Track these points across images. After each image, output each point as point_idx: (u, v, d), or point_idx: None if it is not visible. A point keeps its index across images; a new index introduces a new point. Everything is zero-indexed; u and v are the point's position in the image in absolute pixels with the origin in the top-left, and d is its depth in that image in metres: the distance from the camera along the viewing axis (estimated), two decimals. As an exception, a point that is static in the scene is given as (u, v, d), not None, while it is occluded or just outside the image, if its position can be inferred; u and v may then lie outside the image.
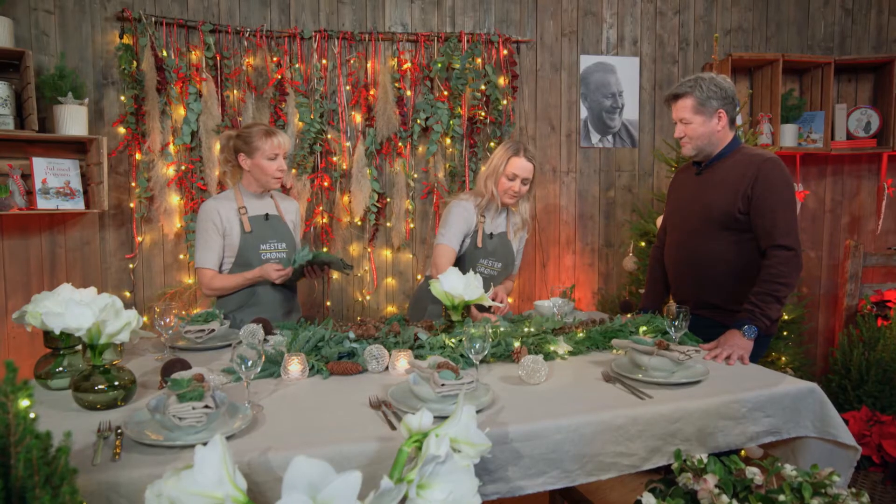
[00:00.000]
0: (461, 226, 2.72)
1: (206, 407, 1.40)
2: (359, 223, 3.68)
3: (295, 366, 1.90)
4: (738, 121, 3.50)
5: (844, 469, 1.84)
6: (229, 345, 2.24)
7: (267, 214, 2.65)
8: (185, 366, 1.80)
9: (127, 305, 3.35)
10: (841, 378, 3.27)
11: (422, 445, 1.27)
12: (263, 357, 1.88)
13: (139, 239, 3.42)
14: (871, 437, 2.77)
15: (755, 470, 1.55)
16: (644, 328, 2.29)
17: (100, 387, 1.62)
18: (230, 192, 2.66)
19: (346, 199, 3.65)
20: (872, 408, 3.02)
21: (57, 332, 1.57)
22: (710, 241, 2.39)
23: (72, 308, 1.60)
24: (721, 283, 2.38)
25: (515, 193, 2.73)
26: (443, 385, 1.57)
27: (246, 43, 3.45)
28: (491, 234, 2.79)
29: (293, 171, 3.52)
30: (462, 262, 2.77)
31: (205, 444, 1.12)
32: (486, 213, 2.80)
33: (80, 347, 1.85)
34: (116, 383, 1.65)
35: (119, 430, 1.45)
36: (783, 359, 3.46)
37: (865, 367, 3.16)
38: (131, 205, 3.38)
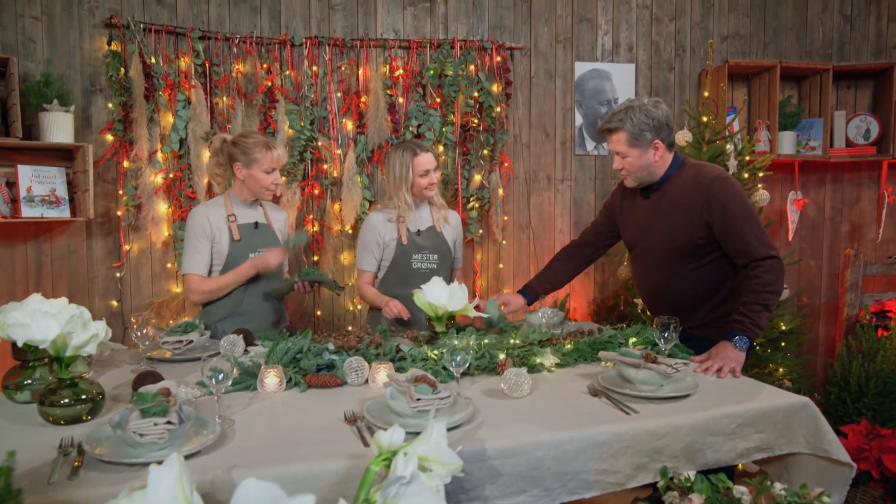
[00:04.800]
0: (371, 244, 2.77)
1: (169, 423, 1.35)
2: (350, 231, 3.63)
3: (271, 379, 1.84)
4: (686, 138, 3.44)
5: (839, 487, 1.77)
6: (212, 355, 2.19)
7: (256, 223, 2.62)
8: (158, 378, 1.75)
9: (114, 315, 3.36)
10: (840, 390, 3.20)
11: (391, 464, 1.22)
12: (235, 370, 1.83)
13: (127, 248, 3.37)
14: (871, 452, 2.70)
15: (743, 489, 1.49)
16: (633, 340, 2.23)
17: (65, 401, 1.57)
18: (220, 199, 2.63)
19: (336, 207, 3.60)
20: (872, 421, 2.95)
21: (20, 343, 1.53)
22: (677, 271, 2.37)
23: (38, 319, 1.55)
24: (694, 306, 2.37)
25: (433, 185, 2.76)
26: (418, 400, 1.52)
27: (236, 50, 3.42)
28: (418, 230, 2.79)
29: (283, 178, 3.47)
30: (397, 263, 2.76)
31: (160, 462, 1.06)
32: (406, 215, 2.78)
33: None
34: (84, 397, 1.60)
35: (80, 447, 1.40)
36: (780, 370, 3.39)
37: (865, 379, 3.09)
38: (119, 213, 3.34)
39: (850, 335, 3.52)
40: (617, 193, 2.66)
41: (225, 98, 3.43)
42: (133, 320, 2.02)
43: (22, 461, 1.34)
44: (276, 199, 3.46)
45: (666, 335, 2.02)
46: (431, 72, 3.60)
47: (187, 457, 1.35)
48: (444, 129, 3.62)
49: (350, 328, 3.70)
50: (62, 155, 3.19)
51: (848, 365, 3.20)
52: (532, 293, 2.71)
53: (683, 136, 3.43)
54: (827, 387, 3.33)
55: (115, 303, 3.38)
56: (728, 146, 3.42)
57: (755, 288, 2.15)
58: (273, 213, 2.74)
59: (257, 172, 2.53)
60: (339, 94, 3.58)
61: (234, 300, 2.58)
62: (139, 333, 2.02)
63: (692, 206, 2.27)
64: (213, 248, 2.55)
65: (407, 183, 2.72)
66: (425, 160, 2.70)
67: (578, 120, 3.96)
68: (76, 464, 1.33)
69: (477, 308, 2.33)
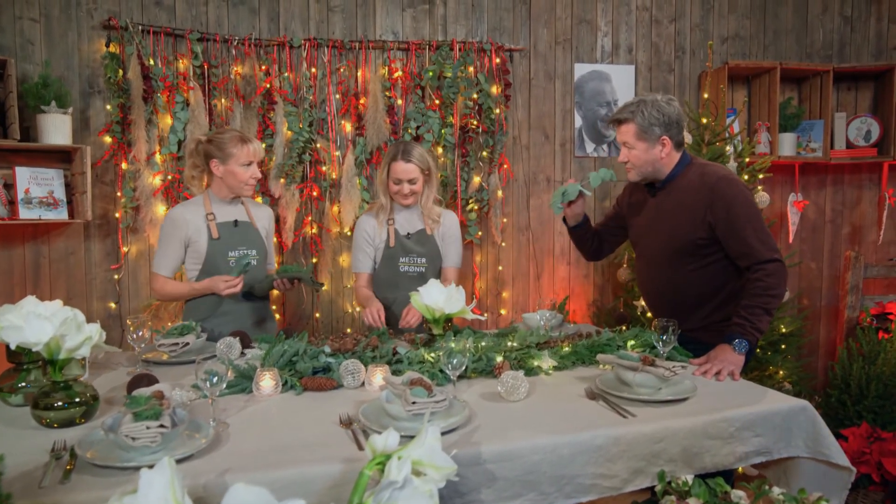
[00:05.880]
0: (362, 245, 2.78)
1: (162, 426, 1.34)
2: (349, 233, 3.62)
3: (267, 381, 1.83)
4: (686, 139, 3.43)
5: (838, 491, 1.76)
6: (208, 357, 2.18)
7: (236, 221, 2.60)
8: (153, 381, 1.74)
9: (112, 317, 3.35)
10: (840, 393, 3.18)
11: (385, 468, 1.21)
12: (230, 373, 1.82)
13: (125, 249, 3.37)
14: (871, 455, 2.68)
15: (741, 493, 1.47)
16: (632, 342, 2.22)
17: (59, 404, 1.56)
18: (199, 198, 2.62)
19: (335, 208, 3.60)
20: (873, 424, 2.94)
21: (12, 346, 1.52)
22: (678, 270, 2.35)
23: (31, 321, 1.54)
24: (694, 307, 2.35)
25: (406, 195, 2.71)
26: (413, 403, 1.51)
27: (234, 51, 3.41)
28: (408, 233, 2.77)
29: (282, 180, 3.46)
30: (384, 266, 2.76)
31: (151, 466, 1.05)
32: (396, 216, 2.78)
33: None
34: (77, 400, 1.59)
35: (73, 450, 1.39)
36: (781, 373, 3.38)
37: (865, 382, 3.07)
38: (117, 215, 3.33)
39: (850, 338, 3.51)
40: (627, 190, 2.65)
41: (223, 100, 3.42)
42: (129, 322, 2.01)
43: (14, 465, 1.33)
44: (273, 200, 3.46)
45: (664, 338, 2.00)
46: (430, 73, 3.59)
47: (180, 461, 1.34)
48: (443, 131, 3.61)
49: (349, 330, 3.69)
50: (60, 157, 3.19)
51: (848, 367, 3.19)
52: (586, 223, 2.66)
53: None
54: (827, 389, 3.32)
55: (113, 305, 3.38)
56: (728, 148, 3.41)
57: (757, 291, 2.13)
58: (256, 211, 2.72)
59: (234, 167, 2.52)
60: (337, 96, 3.58)
61: (215, 300, 2.56)
62: (135, 336, 2.01)
63: (696, 206, 2.26)
64: (190, 247, 2.54)
65: (384, 184, 2.73)
66: (400, 169, 2.66)
67: (578, 122, 3.95)
68: (68, 467, 1.32)
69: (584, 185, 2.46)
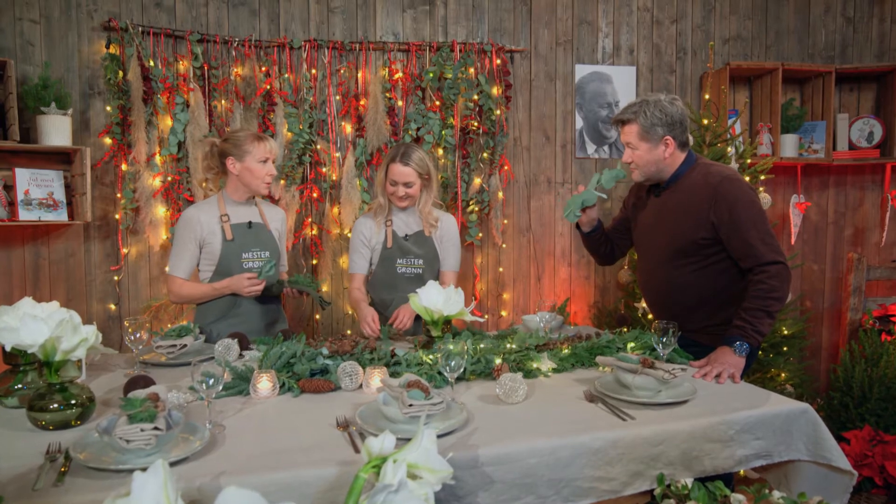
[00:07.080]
0: (358, 247, 2.78)
1: (156, 429, 1.33)
2: (349, 235, 3.61)
3: (264, 383, 1.82)
4: (689, 140, 3.42)
5: (839, 495, 1.74)
6: (206, 359, 2.17)
7: (250, 222, 2.60)
8: (149, 383, 1.74)
9: (112, 318, 3.34)
10: (843, 395, 3.16)
11: (380, 471, 1.20)
12: (227, 375, 1.81)
13: (125, 251, 3.36)
14: (874, 458, 2.66)
15: (741, 497, 1.46)
16: (632, 344, 2.21)
17: (55, 406, 1.55)
18: (213, 199, 2.62)
19: (335, 210, 3.59)
20: (875, 427, 2.92)
21: (8, 348, 1.51)
22: (679, 271, 2.33)
23: (27, 323, 1.54)
24: (694, 308, 2.33)
25: (401, 198, 2.70)
26: (410, 405, 1.49)
27: (234, 53, 3.41)
28: (406, 235, 2.76)
29: (282, 181, 3.46)
30: (381, 267, 2.75)
31: (145, 468, 1.05)
32: (394, 217, 2.77)
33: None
34: (73, 402, 1.58)
35: (68, 453, 1.38)
36: (783, 375, 3.36)
37: (868, 385, 3.05)
38: (117, 216, 3.33)
39: (853, 340, 3.49)
40: (632, 191, 2.64)
41: (223, 101, 3.42)
42: (126, 324, 2.00)
43: (8, 467, 1.33)
44: (273, 201, 3.45)
45: (664, 340, 1.98)
46: (431, 74, 3.58)
47: (176, 463, 1.34)
48: (443, 133, 3.60)
49: (348, 332, 3.68)
50: (60, 158, 3.19)
51: (851, 370, 3.17)
52: (600, 227, 2.64)
53: (684, 139, 3.40)
54: (829, 392, 3.30)
55: (112, 306, 3.37)
56: (729, 149, 3.40)
57: (758, 293, 2.12)
58: (269, 212, 2.72)
59: (251, 163, 2.52)
60: (337, 97, 3.57)
61: (229, 301, 2.56)
62: (133, 337, 2.00)
63: (699, 206, 2.24)
64: (204, 248, 2.55)
65: (382, 185, 2.73)
66: (397, 171, 2.65)
67: (579, 123, 3.93)
68: (62, 470, 1.31)
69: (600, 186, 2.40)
